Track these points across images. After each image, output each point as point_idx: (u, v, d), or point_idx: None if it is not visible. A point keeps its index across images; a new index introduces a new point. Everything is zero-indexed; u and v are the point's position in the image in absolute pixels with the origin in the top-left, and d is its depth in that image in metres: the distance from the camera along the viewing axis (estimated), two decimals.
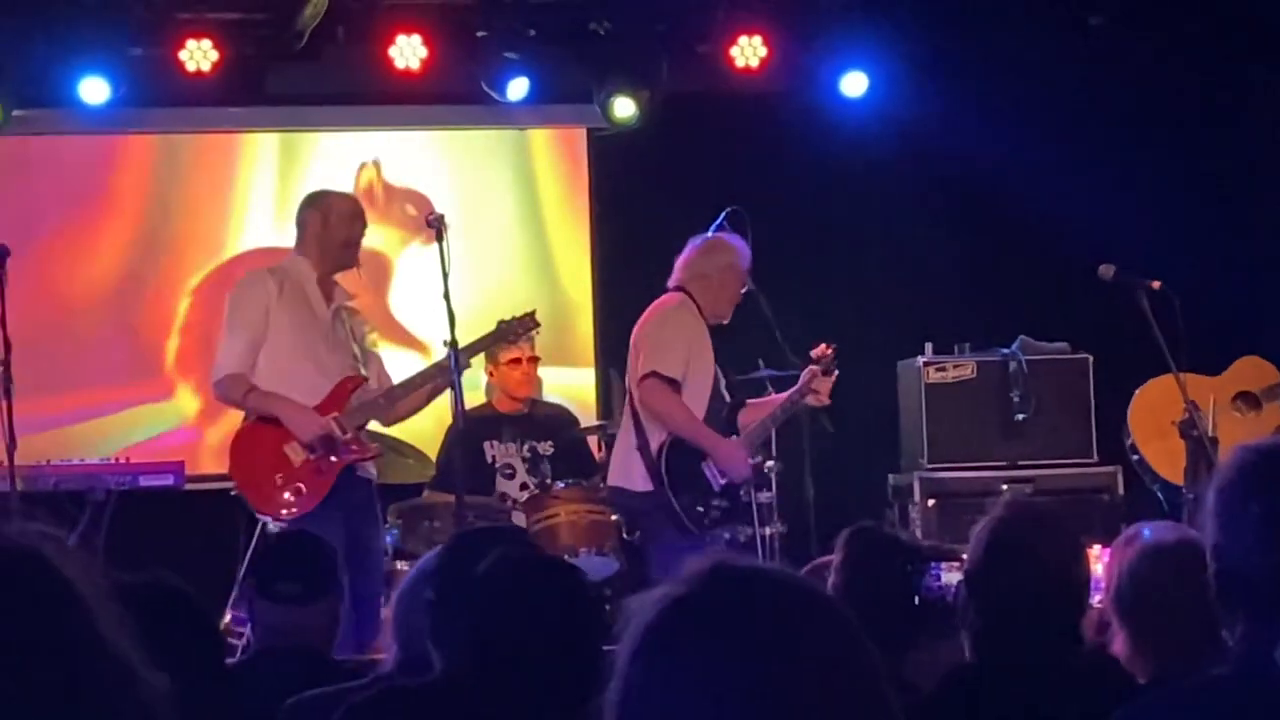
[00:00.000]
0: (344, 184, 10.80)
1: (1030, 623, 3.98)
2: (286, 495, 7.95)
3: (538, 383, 9.84)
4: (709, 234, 8.69)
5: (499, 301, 10.76)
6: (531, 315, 8.52)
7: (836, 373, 8.54)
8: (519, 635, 3.66)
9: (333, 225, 8.27)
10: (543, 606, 3.70)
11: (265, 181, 11.00)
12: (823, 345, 8.55)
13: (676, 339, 8.40)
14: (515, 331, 8.57)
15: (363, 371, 8.26)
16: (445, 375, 8.10)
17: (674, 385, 8.31)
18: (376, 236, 10.01)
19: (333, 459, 7.97)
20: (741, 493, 8.39)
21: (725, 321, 8.57)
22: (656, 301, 8.59)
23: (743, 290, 8.59)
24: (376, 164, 11.04)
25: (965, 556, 4.22)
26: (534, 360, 9.63)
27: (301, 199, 8.63)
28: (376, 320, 10.43)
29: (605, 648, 3.47)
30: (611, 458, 8.65)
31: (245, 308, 8.16)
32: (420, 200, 10.81)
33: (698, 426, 8.34)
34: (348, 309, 8.36)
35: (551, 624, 3.67)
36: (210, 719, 3.45)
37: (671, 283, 8.58)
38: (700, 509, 8.32)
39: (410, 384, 8.29)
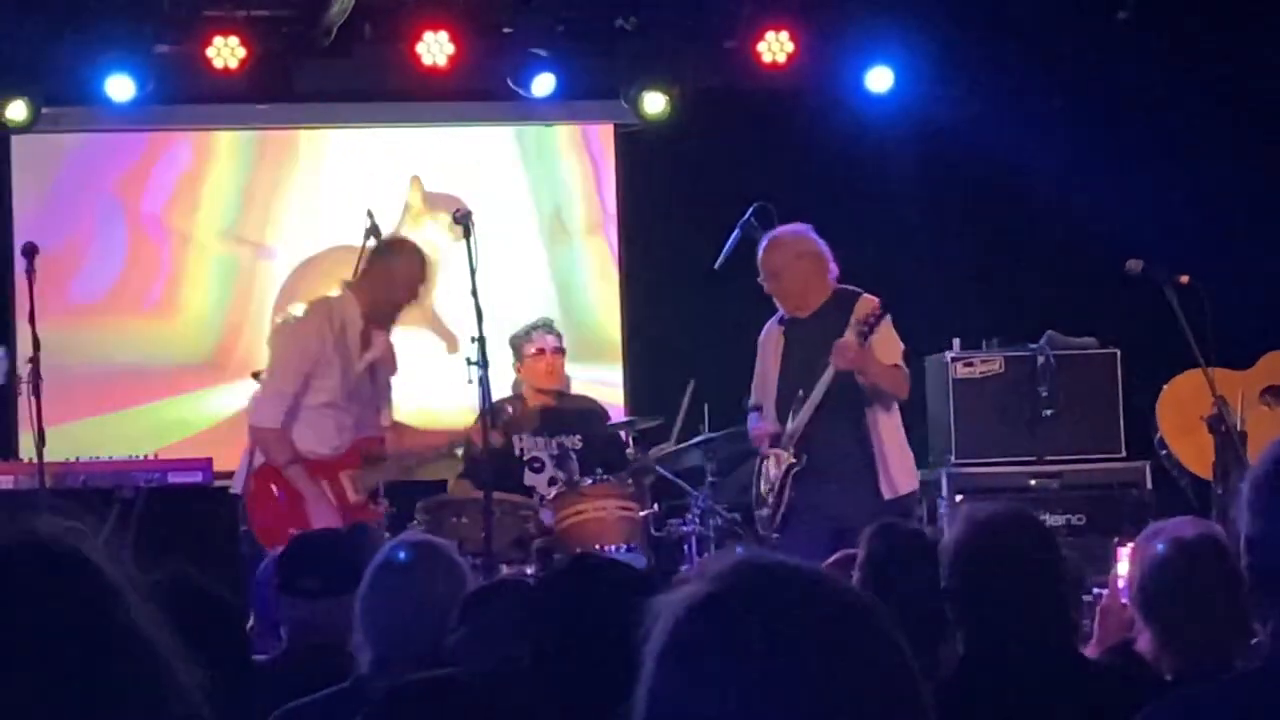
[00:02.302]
0: (371, 180, 10.82)
1: (1011, 622, 3.99)
2: None
3: (565, 378, 9.84)
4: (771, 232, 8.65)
5: (527, 298, 10.79)
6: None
7: (868, 336, 8.45)
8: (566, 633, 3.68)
9: (397, 289, 8.22)
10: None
11: (293, 177, 11.02)
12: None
13: (756, 366, 8.74)
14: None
15: (383, 422, 8.35)
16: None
17: (755, 410, 8.66)
18: (423, 237, 10.05)
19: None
20: (784, 487, 8.42)
21: (802, 314, 8.48)
22: None
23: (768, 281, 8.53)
24: (417, 179, 11.02)
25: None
26: (559, 352, 9.60)
27: (377, 246, 8.46)
28: (421, 315, 10.49)
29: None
30: None
31: (303, 352, 8.06)
32: (457, 203, 10.82)
33: (753, 438, 8.66)
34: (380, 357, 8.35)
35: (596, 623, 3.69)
36: (237, 715, 3.46)
37: None
38: (757, 513, 8.60)
39: (422, 457, 8.56)
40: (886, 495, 8.26)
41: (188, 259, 10.89)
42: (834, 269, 8.52)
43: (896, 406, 8.44)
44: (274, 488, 8.08)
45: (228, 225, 10.92)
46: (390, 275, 8.24)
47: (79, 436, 9.89)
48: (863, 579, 4.57)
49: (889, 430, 8.41)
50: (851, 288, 8.51)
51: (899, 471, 8.38)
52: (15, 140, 10.57)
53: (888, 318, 8.35)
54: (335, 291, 8.31)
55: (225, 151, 11.01)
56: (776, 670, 1.71)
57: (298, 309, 8.36)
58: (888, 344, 8.37)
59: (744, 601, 1.75)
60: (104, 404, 10.65)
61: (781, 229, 8.62)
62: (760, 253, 8.52)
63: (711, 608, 1.75)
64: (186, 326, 10.86)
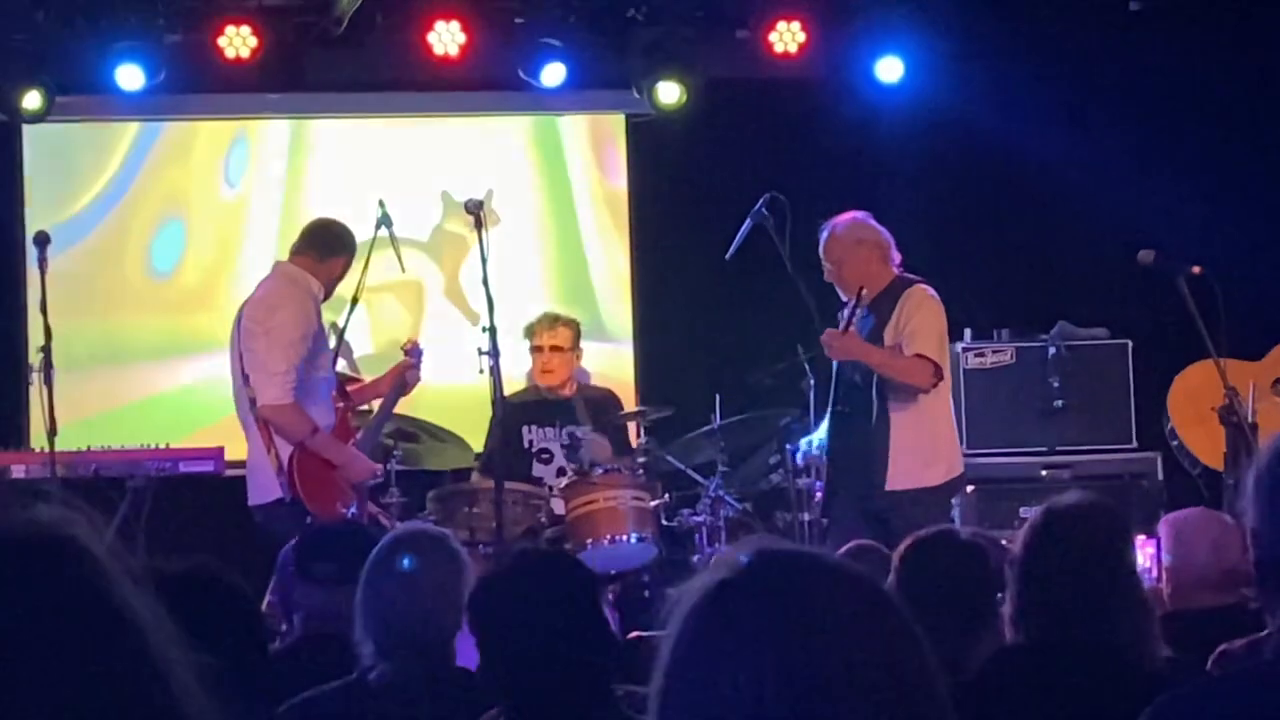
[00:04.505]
0: (379, 169, 10.82)
1: (1068, 613, 4.00)
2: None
3: (582, 371, 9.82)
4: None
5: (538, 287, 10.80)
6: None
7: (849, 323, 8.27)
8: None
9: (339, 276, 8.34)
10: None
11: (305, 167, 11.01)
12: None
13: None
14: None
15: (341, 368, 8.48)
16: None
17: None
18: (456, 226, 10.16)
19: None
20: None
21: (848, 295, 8.33)
22: None
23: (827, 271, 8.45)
24: (446, 193, 10.99)
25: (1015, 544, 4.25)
26: (556, 350, 9.54)
27: (326, 224, 8.58)
28: (452, 297, 10.56)
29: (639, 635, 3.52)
30: None
31: (301, 326, 8.06)
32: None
33: None
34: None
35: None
36: (252, 704, 3.47)
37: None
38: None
39: (383, 414, 8.54)
40: (888, 487, 8.15)
41: (198, 250, 10.89)
42: (896, 256, 8.36)
43: (929, 397, 8.20)
44: (311, 469, 8.03)
45: (237, 216, 10.92)
46: (340, 269, 8.33)
47: (99, 428, 9.90)
48: (894, 580, 4.58)
49: (903, 421, 8.21)
50: (910, 276, 8.36)
51: (902, 467, 8.17)
52: (25, 129, 10.55)
53: (926, 304, 8.22)
54: (285, 263, 8.39)
55: (239, 141, 11.00)
56: (791, 657, 1.71)
57: (275, 289, 8.32)
58: (916, 332, 8.19)
59: (759, 588, 1.76)
60: (121, 395, 10.65)
61: (839, 217, 8.48)
62: (821, 244, 8.43)
63: (728, 594, 1.76)
64: (198, 318, 10.85)
